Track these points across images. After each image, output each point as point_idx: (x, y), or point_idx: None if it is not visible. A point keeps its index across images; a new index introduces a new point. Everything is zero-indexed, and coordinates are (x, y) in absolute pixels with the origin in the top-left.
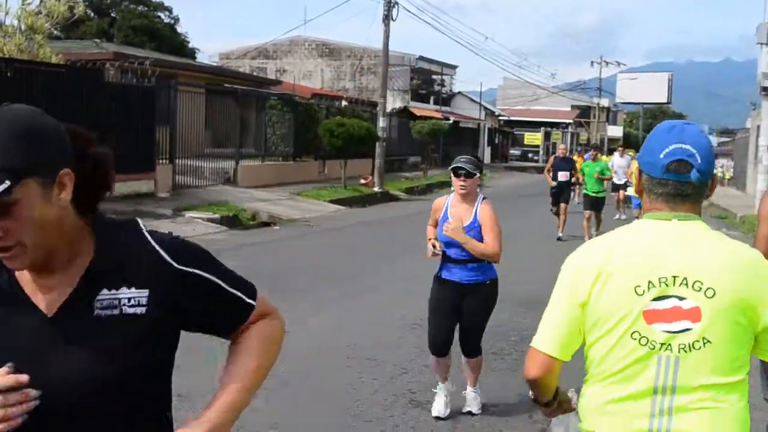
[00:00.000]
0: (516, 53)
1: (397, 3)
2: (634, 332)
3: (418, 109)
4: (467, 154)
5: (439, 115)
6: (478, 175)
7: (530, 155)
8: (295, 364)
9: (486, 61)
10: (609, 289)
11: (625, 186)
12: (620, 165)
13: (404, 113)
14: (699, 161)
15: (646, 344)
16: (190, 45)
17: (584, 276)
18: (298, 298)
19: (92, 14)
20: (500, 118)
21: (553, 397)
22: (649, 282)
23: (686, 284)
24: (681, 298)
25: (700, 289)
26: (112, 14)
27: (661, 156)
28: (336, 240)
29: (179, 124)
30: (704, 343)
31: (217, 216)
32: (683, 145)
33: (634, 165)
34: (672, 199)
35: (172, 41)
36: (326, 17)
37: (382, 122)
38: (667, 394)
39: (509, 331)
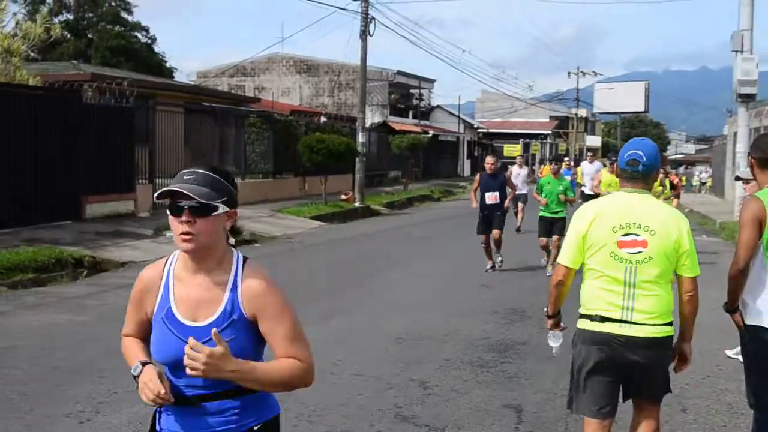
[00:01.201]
0: (494, 66)
1: (374, 18)
2: (611, 252)
3: (397, 123)
4: (203, 163)
5: (418, 129)
6: (223, 208)
7: (510, 167)
8: None
9: (464, 75)
10: (598, 227)
11: (596, 197)
12: (588, 173)
13: (383, 128)
14: (644, 160)
15: (617, 259)
16: (168, 64)
17: (586, 219)
18: None
19: (69, 35)
20: (479, 130)
21: (557, 313)
22: (620, 225)
23: (640, 227)
24: (637, 235)
25: (647, 230)
26: (89, 35)
27: (624, 156)
28: (318, 256)
29: (158, 144)
30: (649, 259)
31: None
32: (636, 151)
33: (604, 173)
34: (630, 181)
35: (149, 61)
36: (303, 34)
37: (361, 137)
38: (631, 286)
39: (495, 343)
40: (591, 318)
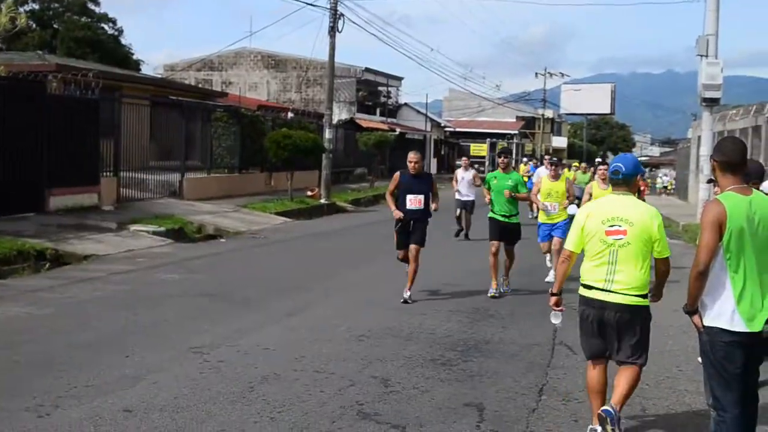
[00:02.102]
0: (461, 65)
1: (342, 15)
2: (601, 239)
3: (365, 120)
4: None
5: (385, 127)
6: None
7: (476, 165)
8: (242, 377)
9: (431, 73)
10: (592, 221)
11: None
12: None
13: (350, 125)
14: (623, 170)
15: (605, 244)
16: (135, 57)
17: (583, 215)
18: (244, 311)
19: (34, 26)
20: (446, 129)
21: (560, 292)
22: (608, 218)
23: (622, 220)
24: (620, 226)
25: (628, 222)
26: (55, 26)
27: (611, 167)
28: (283, 252)
29: (124, 137)
30: (628, 244)
31: (162, 229)
32: (618, 164)
33: (544, 180)
34: (615, 186)
35: (116, 53)
36: (272, 29)
37: (328, 134)
38: (613, 264)
39: (457, 342)
40: (585, 286)
